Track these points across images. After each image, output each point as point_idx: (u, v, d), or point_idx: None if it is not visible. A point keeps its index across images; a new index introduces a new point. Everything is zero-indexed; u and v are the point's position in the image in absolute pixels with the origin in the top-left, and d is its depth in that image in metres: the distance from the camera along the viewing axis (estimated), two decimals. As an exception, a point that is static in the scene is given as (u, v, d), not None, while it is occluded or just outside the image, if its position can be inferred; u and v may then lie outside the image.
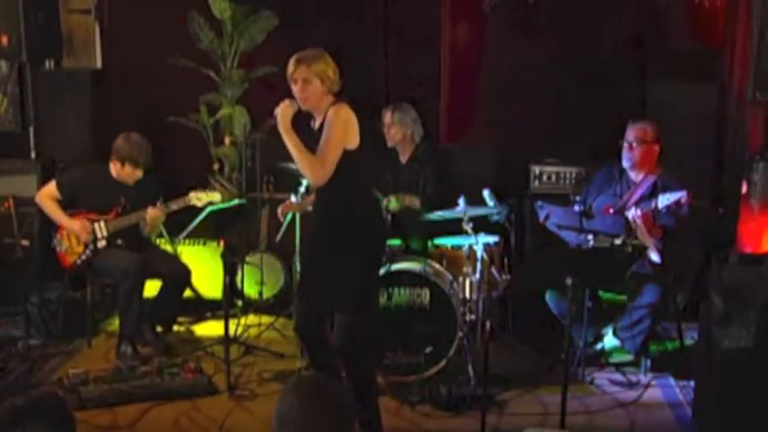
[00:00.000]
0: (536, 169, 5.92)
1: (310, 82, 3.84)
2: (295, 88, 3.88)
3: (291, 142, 3.79)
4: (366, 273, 4.01)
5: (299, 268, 4.95)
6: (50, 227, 5.38)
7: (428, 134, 5.79)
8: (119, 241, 5.31)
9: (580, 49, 6.18)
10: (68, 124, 6.11)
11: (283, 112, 3.84)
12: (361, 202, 4.01)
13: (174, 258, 5.68)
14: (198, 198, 5.25)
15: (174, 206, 5.29)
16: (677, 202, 4.61)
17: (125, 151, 5.25)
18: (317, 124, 3.95)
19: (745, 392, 3.85)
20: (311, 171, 3.79)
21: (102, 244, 5.28)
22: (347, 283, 3.91)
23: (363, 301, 4.00)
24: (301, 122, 3.95)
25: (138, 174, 5.30)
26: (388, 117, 5.48)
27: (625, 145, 5.03)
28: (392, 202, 5.14)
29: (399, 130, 5.46)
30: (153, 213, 5.25)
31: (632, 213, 4.73)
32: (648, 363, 4.98)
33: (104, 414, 4.40)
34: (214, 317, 5.92)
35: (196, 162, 6.45)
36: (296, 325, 4.18)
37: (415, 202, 5.34)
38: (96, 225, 5.28)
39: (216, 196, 5.30)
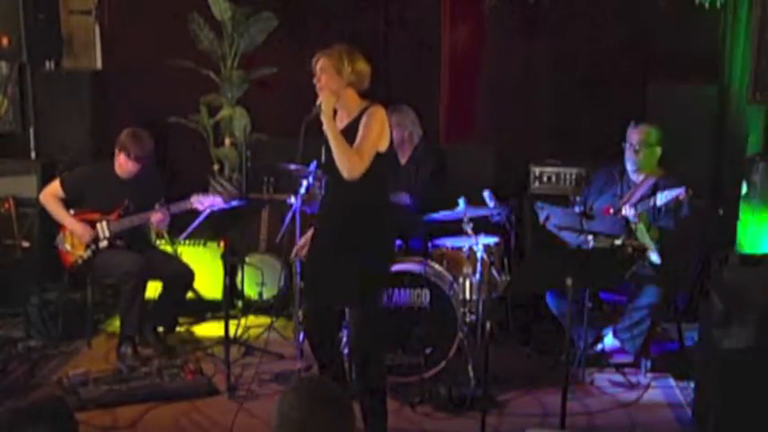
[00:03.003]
0: (536, 170, 5.91)
1: (325, 71, 3.90)
2: (315, 80, 3.92)
3: (332, 132, 3.82)
4: (383, 268, 4.07)
5: (298, 269, 4.96)
6: (52, 227, 5.37)
7: (428, 135, 5.79)
8: (119, 242, 5.30)
9: (580, 49, 6.18)
10: (68, 125, 6.09)
11: (327, 101, 3.86)
12: (381, 203, 4.04)
13: (177, 260, 5.66)
14: (200, 202, 5.25)
15: (176, 210, 5.29)
16: (675, 199, 4.62)
17: (128, 142, 5.20)
18: (341, 123, 3.95)
19: (745, 392, 3.86)
20: (350, 162, 3.79)
21: (103, 244, 5.27)
22: (365, 278, 3.93)
23: (377, 296, 4.07)
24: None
25: (138, 166, 5.27)
26: (386, 119, 5.47)
27: (627, 147, 5.03)
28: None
29: (399, 131, 5.45)
30: (156, 218, 5.25)
31: (627, 211, 4.74)
32: (648, 363, 4.98)
33: (104, 415, 4.40)
34: (214, 318, 5.91)
35: (196, 163, 6.44)
36: (306, 322, 4.19)
37: None
38: (99, 225, 5.27)
39: (218, 200, 5.30)
